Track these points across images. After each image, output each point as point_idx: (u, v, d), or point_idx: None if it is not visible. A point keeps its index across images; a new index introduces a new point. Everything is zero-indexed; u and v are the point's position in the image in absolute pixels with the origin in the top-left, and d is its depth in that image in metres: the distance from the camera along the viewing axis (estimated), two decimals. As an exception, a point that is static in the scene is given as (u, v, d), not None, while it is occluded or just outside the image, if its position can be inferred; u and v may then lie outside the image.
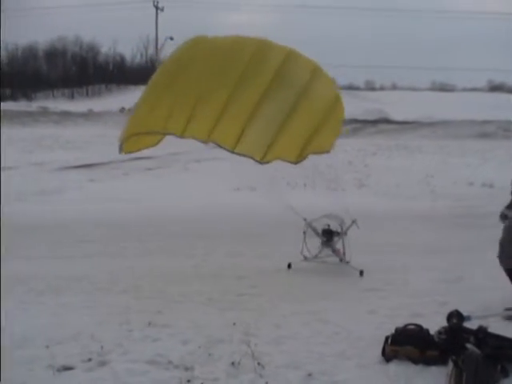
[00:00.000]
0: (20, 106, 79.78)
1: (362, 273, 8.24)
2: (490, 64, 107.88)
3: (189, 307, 6.89)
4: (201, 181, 18.20)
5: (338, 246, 8.74)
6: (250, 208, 13.51)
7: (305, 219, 8.93)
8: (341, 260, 8.57)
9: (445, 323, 5.40)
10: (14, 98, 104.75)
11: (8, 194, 15.31)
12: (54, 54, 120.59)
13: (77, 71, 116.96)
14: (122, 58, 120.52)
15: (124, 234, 10.87)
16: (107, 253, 9.54)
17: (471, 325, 5.31)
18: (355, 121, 56.66)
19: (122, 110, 71.37)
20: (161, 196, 15.07)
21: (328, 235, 8.81)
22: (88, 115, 62.04)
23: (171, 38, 60.31)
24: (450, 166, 22.93)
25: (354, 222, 8.74)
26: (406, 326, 5.53)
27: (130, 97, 76.40)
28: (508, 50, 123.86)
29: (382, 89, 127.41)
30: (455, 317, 5.35)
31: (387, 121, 58.48)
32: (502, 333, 5.29)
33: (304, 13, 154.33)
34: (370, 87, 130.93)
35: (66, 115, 61.57)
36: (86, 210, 13.18)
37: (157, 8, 53.19)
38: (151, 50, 60.97)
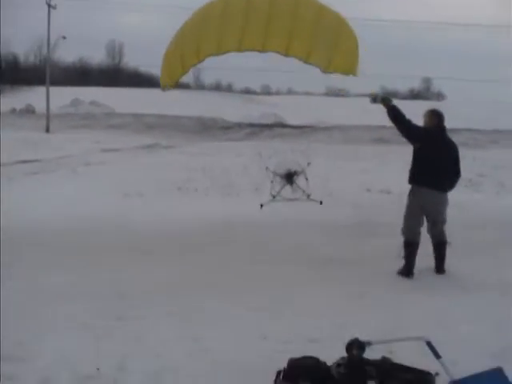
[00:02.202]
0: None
1: (321, 203, 10.36)
2: (383, 70, 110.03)
3: (57, 335, 5.95)
4: (88, 185, 17.13)
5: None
6: (139, 216, 12.63)
7: (266, 167, 11.14)
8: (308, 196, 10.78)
9: (344, 351, 4.57)
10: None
11: None
12: None
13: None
14: (15, 58, 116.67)
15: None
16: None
17: (374, 351, 4.54)
18: (251, 125, 56.55)
19: (13, 110, 68.76)
20: (43, 203, 13.86)
21: (290, 176, 10.95)
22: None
23: (64, 37, 58.38)
24: (346, 170, 22.68)
25: (308, 164, 11.30)
26: (300, 358, 4.61)
27: (23, 97, 74.17)
28: (399, 56, 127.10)
29: (277, 93, 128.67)
30: (355, 347, 4.53)
31: (283, 125, 58.71)
32: (410, 359, 4.62)
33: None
34: (266, 91, 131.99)
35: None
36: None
37: (49, 6, 51.16)
38: (45, 50, 59.26)
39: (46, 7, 51.85)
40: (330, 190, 16.19)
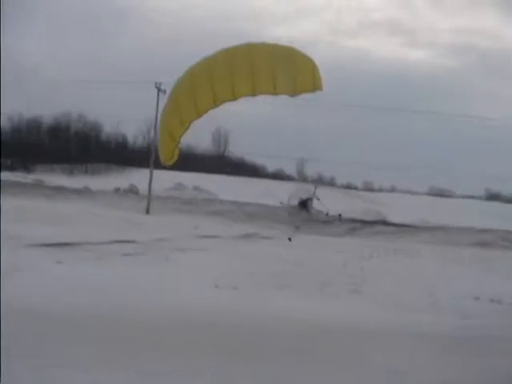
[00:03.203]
0: (17, 176, 79.15)
1: (340, 216, 10.34)
2: (488, 171, 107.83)
3: None
4: (178, 272, 16.49)
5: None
6: (230, 312, 11.69)
7: (281, 202, 11.32)
8: (326, 214, 11.62)
9: None
10: (12, 168, 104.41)
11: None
12: (58, 129, 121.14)
13: (78, 148, 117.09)
14: (124, 139, 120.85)
15: (62, 335, 9.00)
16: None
17: None
18: (353, 220, 55.67)
19: (118, 189, 70.52)
20: (131, 290, 13.20)
21: (303, 203, 10.87)
22: (82, 192, 61.01)
23: (170, 121, 59.49)
24: (451, 275, 21.29)
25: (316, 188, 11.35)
26: None
27: (128, 178, 76.11)
28: (504, 158, 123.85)
29: (380, 190, 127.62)
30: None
31: (385, 223, 57.46)
32: None
33: (296, 105, 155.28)
34: (368, 188, 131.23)
35: (60, 190, 60.69)
36: (29, 298, 11.39)
37: (159, 89, 52.59)
38: (153, 132, 60.85)
39: (155, 90, 53.31)
40: (434, 297, 14.96)
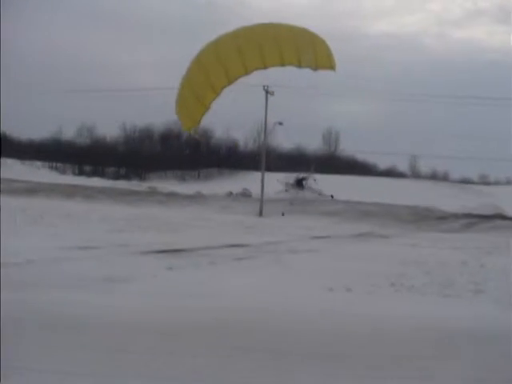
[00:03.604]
0: (131, 185, 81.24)
1: (332, 197, 10.93)
2: None
3: None
4: (291, 275, 16.02)
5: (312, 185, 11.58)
6: (346, 316, 11.07)
7: (277, 180, 11.18)
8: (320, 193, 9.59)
9: None
10: (127, 177, 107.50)
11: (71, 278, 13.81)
12: (169, 137, 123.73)
13: (190, 154, 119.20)
14: (235, 143, 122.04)
15: (180, 345, 8.68)
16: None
17: None
18: (469, 215, 53.66)
19: (230, 194, 71.06)
20: (244, 294, 12.82)
21: (300, 182, 11.38)
22: (195, 197, 61.79)
23: (280, 123, 59.41)
24: None
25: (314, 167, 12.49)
26: None
27: (241, 181, 76.98)
28: None
29: (496, 183, 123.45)
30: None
31: (502, 217, 55.06)
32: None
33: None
34: (484, 181, 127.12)
35: (172, 196, 61.68)
36: (142, 306, 11.19)
37: (267, 92, 52.42)
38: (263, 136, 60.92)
39: (263, 93, 53.19)
40: None
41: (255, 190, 60.66)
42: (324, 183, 75.31)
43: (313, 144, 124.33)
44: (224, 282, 14.24)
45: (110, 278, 13.95)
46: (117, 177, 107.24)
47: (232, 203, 56.43)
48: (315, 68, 9.77)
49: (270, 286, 14.17)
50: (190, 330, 9.28)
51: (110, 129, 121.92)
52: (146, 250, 20.14)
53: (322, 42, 10.12)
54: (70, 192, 58.15)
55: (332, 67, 9.98)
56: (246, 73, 9.52)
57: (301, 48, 9.65)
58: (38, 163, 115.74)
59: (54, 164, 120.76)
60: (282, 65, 9.72)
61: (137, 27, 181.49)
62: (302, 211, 51.96)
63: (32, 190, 59.17)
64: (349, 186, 76.48)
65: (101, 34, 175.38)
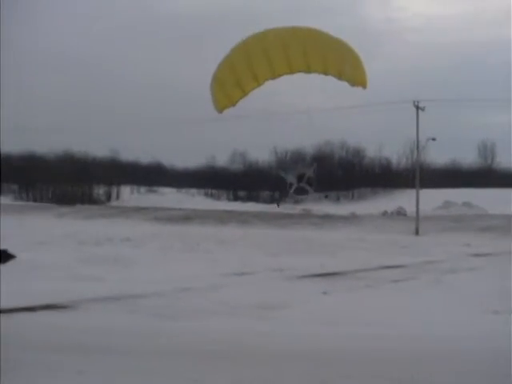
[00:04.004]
0: (285, 208, 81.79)
1: (326, 196, 12.84)
2: None
3: None
4: (450, 297, 15.23)
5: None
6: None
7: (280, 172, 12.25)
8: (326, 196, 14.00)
9: None
10: (281, 200, 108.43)
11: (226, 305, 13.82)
12: (322, 158, 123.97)
13: (343, 175, 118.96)
14: (388, 161, 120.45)
15: (333, 373, 8.29)
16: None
17: None
18: None
19: (385, 213, 69.91)
20: (402, 320, 12.27)
21: (300, 177, 11.73)
22: (349, 218, 61.23)
23: (433, 139, 57.80)
24: None
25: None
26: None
27: (395, 200, 75.61)
28: None
29: None
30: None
31: None
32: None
33: None
34: None
35: (327, 218, 61.47)
36: (296, 333, 10.95)
37: (417, 108, 51.17)
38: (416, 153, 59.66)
39: (414, 109, 51.93)
40: None
41: (411, 207, 59.28)
42: (480, 197, 72.60)
43: (468, 158, 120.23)
44: (381, 307, 13.73)
45: (265, 304, 13.86)
46: (271, 200, 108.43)
47: (387, 222, 55.35)
48: (353, 83, 9.89)
49: (430, 310, 13.53)
50: (344, 359, 8.93)
51: (261, 153, 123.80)
52: (301, 274, 19.98)
53: (357, 57, 10.08)
54: (224, 218, 59.29)
55: (364, 84, 10.03)
56: (291, 71, 9.73)
57: (344, 60, 9.85)
58: (193, 190, 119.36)
59: (209, 191, 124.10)
60: (325, 73, 9.87)
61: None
62: (458, 228, 50.07)
63: (188, 217, 60.90)
64: (506, 199, 73.13)
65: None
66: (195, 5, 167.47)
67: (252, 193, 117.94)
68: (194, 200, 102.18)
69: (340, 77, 9.88)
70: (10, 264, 19.33)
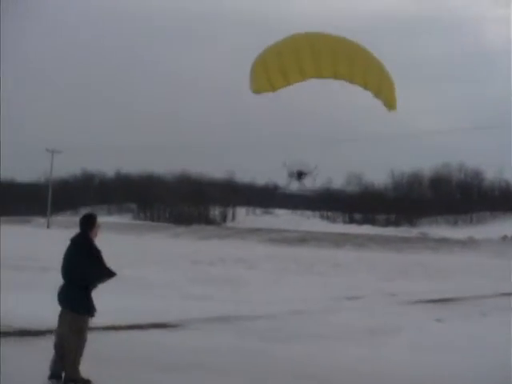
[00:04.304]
0: (401, 231, 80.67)
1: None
2: None
3: None
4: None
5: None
6: None
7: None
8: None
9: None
10: (397, 223, 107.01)
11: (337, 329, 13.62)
12: (439, 181, 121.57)
13: (461, 198, 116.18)
14: (508, 184, 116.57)
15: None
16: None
17: None
18: None
19: (505, 237, 67.47)
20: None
21: (300, 174, 11.71)
22: (466, 243, 59.41)
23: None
24: None
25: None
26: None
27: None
28: None
29: None
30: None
31: None
32: None
33: None
34: None
35: (443, 242, 59.92)
36: (407, 360, 10.62)
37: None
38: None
39: None
40: None
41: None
42: None
43: None
44: (497, 337, 13.08)
45: (376, 329, 13.56)
46: (387, 223, 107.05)
47: (506, 248, 53.30)
48: (386, 105, 10.23)
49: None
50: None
51: (377, 175, 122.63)
52: (414, 299, 19.49)
53: (391, 81, 10.43)
54: (339, 240, 58.89)
55: (393, 107, 10.35)
56: (334, 77, 10.05)
57: (383, 81, 10.17)
58: (309, 212, 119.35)
59: (325, 213, 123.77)
60: (364, 87, 10.14)
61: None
62: None
63: (303, 239, 60.85)
64: None
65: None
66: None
67: (368, 215, 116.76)
68: (310, 222, 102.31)
69: (377, 94, 10.14)
70: (119, 282, 19.80)
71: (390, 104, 10.31)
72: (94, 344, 8.48)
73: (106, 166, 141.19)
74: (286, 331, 13.29)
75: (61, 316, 8.00)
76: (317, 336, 12.86)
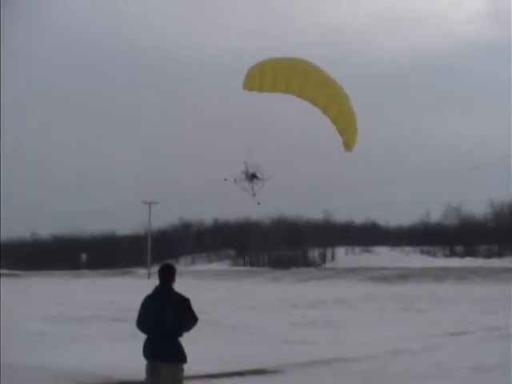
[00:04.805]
0: (504, 262, 78.30)
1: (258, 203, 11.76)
2: None
3: None
4: None
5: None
6: None
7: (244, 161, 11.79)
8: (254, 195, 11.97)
9: None
10: (500, 254, 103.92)
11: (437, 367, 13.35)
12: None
13: None
14: None
15: None
16: None
17: None
18: None
19: None
20: None
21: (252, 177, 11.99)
22: None
23: None
24: None
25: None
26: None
27: None
28: None
29: None
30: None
31: None
32: None
33: None
34: None
35: None
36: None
37: None
38: None
39: None
40: None
41: None
42: None
43: None
44: None
45: (480, 366, 13.19)
46: (489, 255, 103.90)
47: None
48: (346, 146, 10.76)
49: None
50: None
51: (476, 206, 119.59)
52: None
53: (354, 122, 10.83)
54: (440, 275, 57.55)
55: (349, 148, 10.86)
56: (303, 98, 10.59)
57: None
58: (408, 248, 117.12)
59: (424, 248, 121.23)
60: (332, 120, 10.66)
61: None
62: None
63: (403, 275, 59.81)
64: None
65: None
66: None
67: (469, 247, 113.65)
68: (409, 258, 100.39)
69: (341, 132, 10.71)
70: (218, 329, 20.06)
71: (348, 146, 10.85)
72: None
73: (203, 214, 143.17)
74: (387, 372, 13.11)
75: (152, 370, 7.98)
76: (419, 376, 12.66)
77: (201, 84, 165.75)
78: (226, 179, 12.08)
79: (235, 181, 11.95)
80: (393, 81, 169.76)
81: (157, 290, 8.17)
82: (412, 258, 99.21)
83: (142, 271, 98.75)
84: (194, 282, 61.80)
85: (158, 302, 8.06)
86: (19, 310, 29.41)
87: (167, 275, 8.25)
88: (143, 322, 8.12)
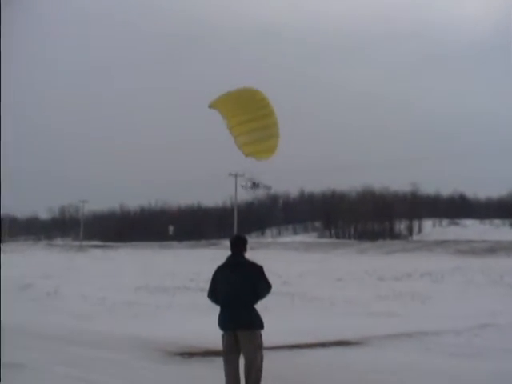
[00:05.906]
0: None
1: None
2: None
3: None
4: None
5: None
6: None
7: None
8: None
9: None
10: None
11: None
12: None
13: None
14: None
15: None
16: None
17: None
18: None
19: None
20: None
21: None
22: None
23: None
24: None
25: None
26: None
27: None
28: None
29: None
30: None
31: None
32: None
33: None
34: None
35: None
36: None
37: None
38: None
39: None
40: None
41: None
42: None
43: None
44: None
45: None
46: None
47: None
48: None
49: None
50: None
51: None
52: None
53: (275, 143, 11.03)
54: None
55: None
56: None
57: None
58: (497, 221, 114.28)
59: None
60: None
61: None
62: None
63: (491, 249, 58.46)
64: None
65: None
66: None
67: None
68: (498, 231, 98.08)
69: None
70: (304, 301, 20.18)
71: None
72: (276, 363, 8.74)
73: (290, 186, 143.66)
74: (473, 347, 12.90)
75: (230, 339, 8.06)
76: (507, 351, 12.40)
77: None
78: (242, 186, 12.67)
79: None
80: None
81: (229, 261, 8.29)
82: (501, 231, 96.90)
83: (228, 243, 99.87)
84: (281, 254, 62.21)
85: (232, 271, 8.16)
86: (109, 280, 30.38)
87: (239, 245, 8.39)
88: (217, 293, 8.23)
